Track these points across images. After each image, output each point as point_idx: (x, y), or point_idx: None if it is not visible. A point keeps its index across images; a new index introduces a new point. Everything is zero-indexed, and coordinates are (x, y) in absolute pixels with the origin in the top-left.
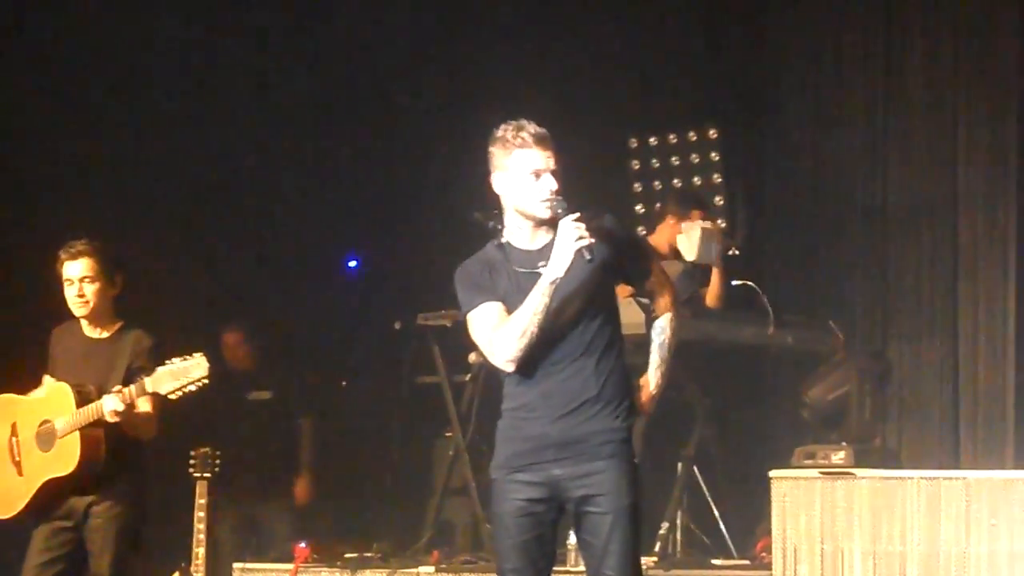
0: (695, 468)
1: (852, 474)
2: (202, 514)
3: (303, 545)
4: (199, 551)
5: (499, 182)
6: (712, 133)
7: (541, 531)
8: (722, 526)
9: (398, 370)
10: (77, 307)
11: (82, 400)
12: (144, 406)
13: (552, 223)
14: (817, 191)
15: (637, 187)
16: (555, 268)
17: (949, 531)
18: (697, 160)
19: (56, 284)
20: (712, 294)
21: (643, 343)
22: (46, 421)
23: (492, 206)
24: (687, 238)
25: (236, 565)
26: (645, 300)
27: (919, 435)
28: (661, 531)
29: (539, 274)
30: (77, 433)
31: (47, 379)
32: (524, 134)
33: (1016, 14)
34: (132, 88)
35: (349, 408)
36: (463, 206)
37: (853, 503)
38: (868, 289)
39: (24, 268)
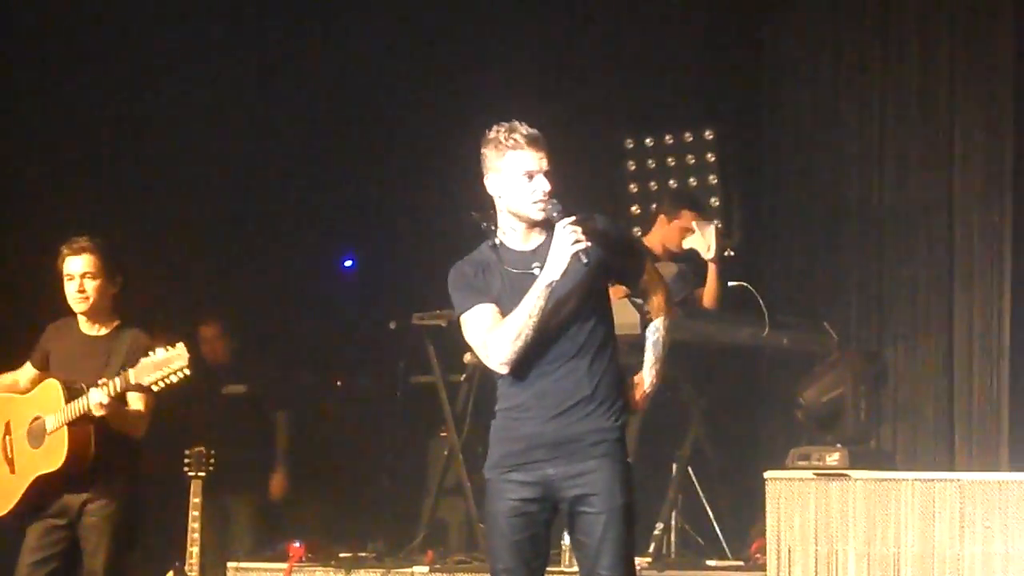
0: (690, 469)
1: (847, 475)
2: (196, 513)
3: (298, 544)
4: (193, 550)
5: (492, 184)
6: (708, 134)
7: (535, 531)
8: (716, 527)
9: (393, 370)
10: (77, 303)
11: (71, 396)
12: (136, 404)
13: (545, 224)
14: (813, 192)
15: (633, 188)
16: (551, 271)
17: (943, 533)
18: (693, 161)
19: (55, 282)
20: (708, 295)
21: (638, 344)
22: (37, 418)
23: (488, 206)
24: (702, 237)
25: (230, 564)
26: (640, 300)
27: (914, 437)
28: (655, 532)
29: (533, 275)
30: (65, 429)
31: (28, 368)
32: (516, 135)
33: (1012, 16)
34: (130, 84)
35: (344, 407)
36: (459, 206)
37: (848, 504)
38: (863, 290)
39: (21, 265)
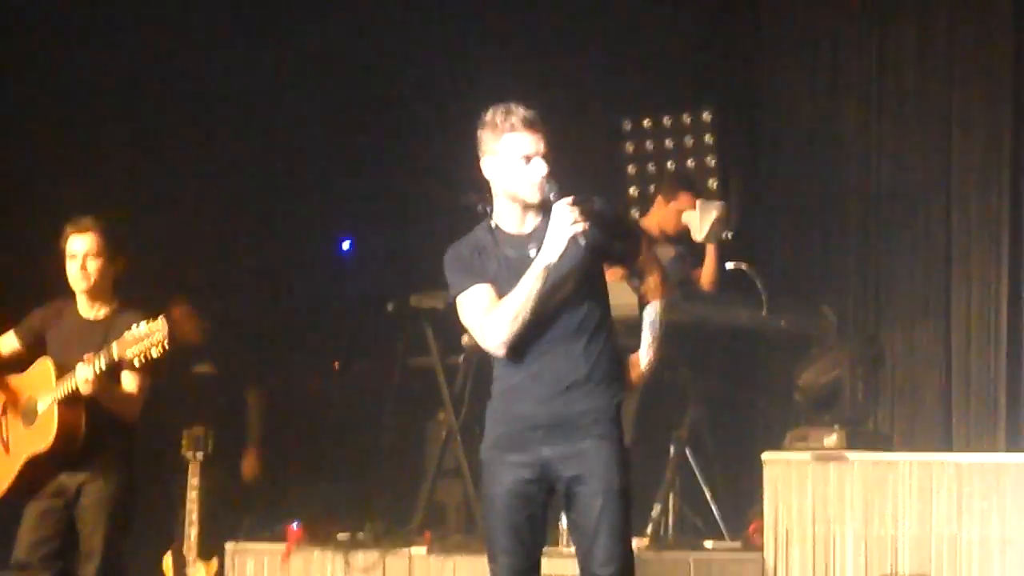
0: (687, 450)
1: (844, 457)
2: (194, 494)
3: (296, 526)
4: (191, 531)
5: (489, 166)
6: (706, 116)
7: (532, 512)
8: (714, 508)
9: (391, 351)
10: (78, 281)
11: (62, 375)
12: (129, 386)
13: (542, 207)
14: (811, 174)
15: (631, 169)
16: (549, 253)
17: (941, 514)
18: (691, 143)
19: (56, 264)
20: (706, 277)
21: (636, 325)
22: (30, 397)
23: (485, 188)
24: (699, 217)
25: (228, 545)
26: (637, 281)
27: (911, 418)
28: (653, 513)
29: (529, 257)
30: (55, 408)
31: (10, 337)
32: (513, 118)
33: (1010, 0)
34: (128, 67)
35: (341, 389)
36: (457, 187)
37: (845, 486)
38: (861, 273)
39: (25, 247)
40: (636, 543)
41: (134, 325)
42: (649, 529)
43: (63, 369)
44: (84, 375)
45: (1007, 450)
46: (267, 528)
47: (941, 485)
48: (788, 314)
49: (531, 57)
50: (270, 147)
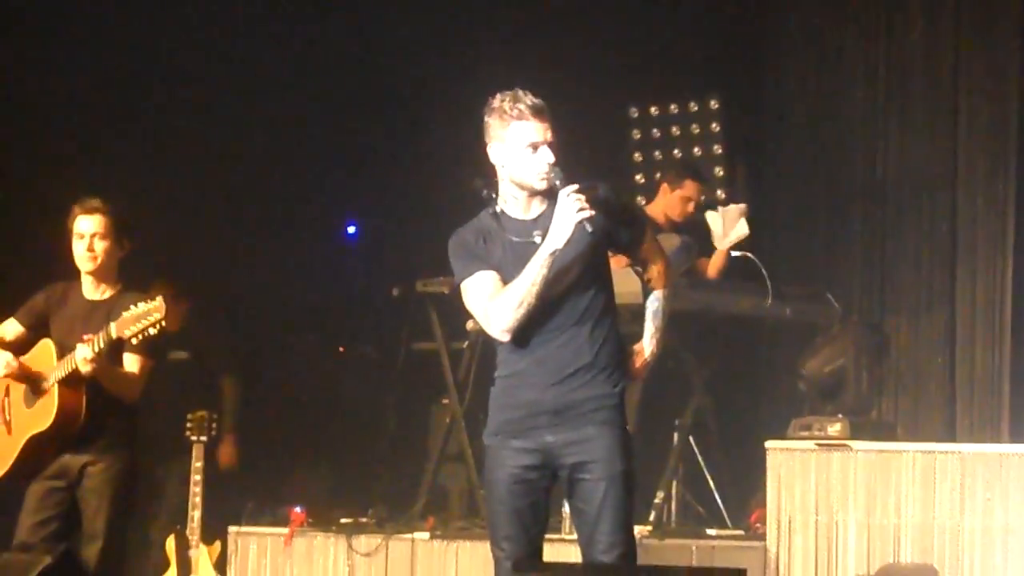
0: (691, 438)
1: (848, 446)
2: (198, 477)
3: (299, 510)
4: (195, 514)
5: (496, 153)
6: (713, 104)
7: (534, 498)
8: (717, 496)
9: (396, 336)
10: (84, 261)
11: (62, 355)
12: (131, 367)
13: (547, 193)
14: (817, 163)
15: (637, 157)
16: (555, 239)
17: (944, 504)
18: (698, 130)
19: (61, 246)
20: (713, 266)
21: (640, 312)
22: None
23: (492, 173)
24: (727, 225)
25: (231, 528)
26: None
27: (915, 408)
28: (656, 501)
29: (534, 243)
30: (56, 388)
31: (12, 323)
32: (521, 106)
33: None
34: (135, 55)
35: (346, 374)
36: (463, 172)
37: (848, 475)
38: (866, 262)
39: (31, 229)
40: (638, 530)
41: (132, 305)
42: (652, 516)
43: (66, 350)
44: (84, 354)
45: (1010, 441)
46: (270, 512)
47: (944, 475)
48: (793, 302)
49: (539, 43)
50: (276, 132)
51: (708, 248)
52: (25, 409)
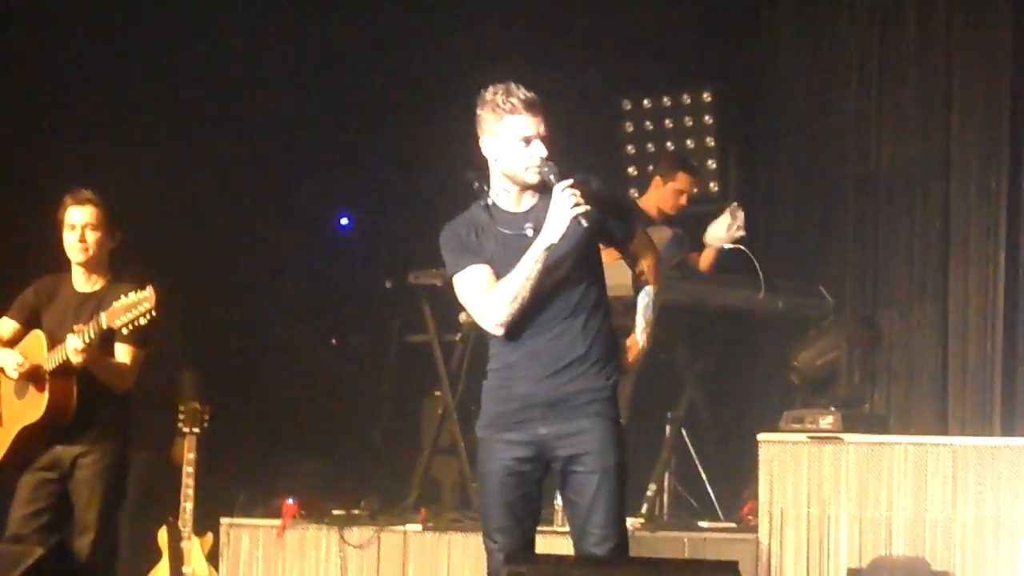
0: (683, 431)
1: (840, 439)
2: (190, 469)
3: (291, 501)
4: (187, 505)
5: (488, 147)
6: (706, 96)
7: (527, 490)
8: (709, 489)
9: (388, 328)
10: (75, 252)
11: (53, 346)
12: (123, 357)
13: (539, 186)
14: (810, 156)
15: (630, 149)
16: (550, 234)
17: (935, 497)
18: (690, 123)
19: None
20: (705, 259)
21: (632, 304)
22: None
23: (484, 166)
24: (726, 225)
25: (224, 520)
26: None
27: (907, 401)
28: (648, 493)
29: (526, 236)
30: (47, 379)
31: (6, 322)
32: (514, 99)
33: None
34: (128, 47)
35: (338, 366)
36: (456, 164)
37: (840, 468)
38: (859, 255)
39: (25, 219)
40: (631, 522)
41: (122, 295)
42: (644, 509)
43: (56, 341)
44: (74, 345)
45: (1002, 433)
46: (262, 503)
47: (936, 468)
48: (785, 295)
49: (531, 36)
50: (267, 124)
51: (700, 242)
52: (16, 400)
